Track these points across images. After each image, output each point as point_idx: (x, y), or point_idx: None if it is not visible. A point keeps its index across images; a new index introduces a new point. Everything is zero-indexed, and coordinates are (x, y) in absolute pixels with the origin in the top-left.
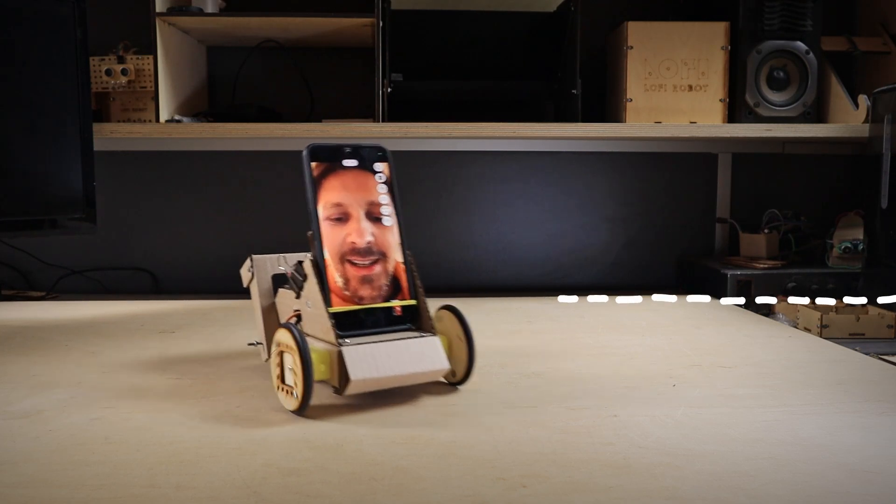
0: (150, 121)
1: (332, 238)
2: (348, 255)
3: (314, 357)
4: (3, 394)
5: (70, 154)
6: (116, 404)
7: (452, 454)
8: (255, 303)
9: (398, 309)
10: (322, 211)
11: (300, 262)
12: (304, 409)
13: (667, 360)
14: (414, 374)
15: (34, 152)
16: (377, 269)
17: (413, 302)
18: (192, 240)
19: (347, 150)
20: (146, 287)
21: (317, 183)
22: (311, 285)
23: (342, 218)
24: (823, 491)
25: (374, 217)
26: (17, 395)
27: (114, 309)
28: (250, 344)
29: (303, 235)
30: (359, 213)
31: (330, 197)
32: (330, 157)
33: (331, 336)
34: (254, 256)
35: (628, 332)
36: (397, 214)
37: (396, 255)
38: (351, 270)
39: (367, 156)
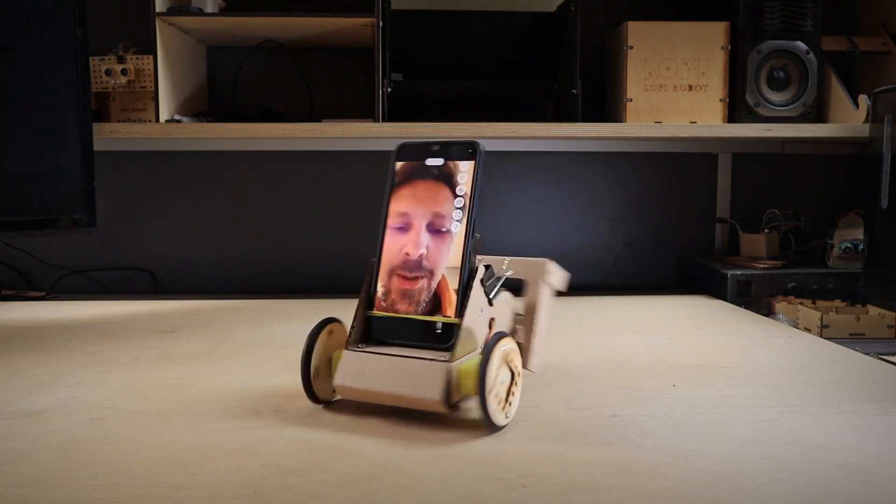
0: (150, 121)
1: (389, 248)
2: (398, 269)
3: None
4: (3, 394)
5: (70, 154)
6: (116, 404)
7: (452, 454)
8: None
9: (439, 325)
10: (389, 219)
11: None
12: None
13: (667, 360)
14: (401, 396)
15: (34, 152)
16: (420, 284)
17: (455, 320)
18: (192, 240)
19: (435, 147)
20: (146, 287)
21: (398, 185)
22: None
23: (404, 228)
24: (823, 491)
25: (435, 229)
26: (17, 395)
27: (114, 309)
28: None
29: (302, 235)
30: (421, 223)
31: (399, 206)
32: (415, 155)
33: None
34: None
35: (628, 332)
36: (471, 213)
37: (444, 271)
38: (395, 283)
39: (455, 153)
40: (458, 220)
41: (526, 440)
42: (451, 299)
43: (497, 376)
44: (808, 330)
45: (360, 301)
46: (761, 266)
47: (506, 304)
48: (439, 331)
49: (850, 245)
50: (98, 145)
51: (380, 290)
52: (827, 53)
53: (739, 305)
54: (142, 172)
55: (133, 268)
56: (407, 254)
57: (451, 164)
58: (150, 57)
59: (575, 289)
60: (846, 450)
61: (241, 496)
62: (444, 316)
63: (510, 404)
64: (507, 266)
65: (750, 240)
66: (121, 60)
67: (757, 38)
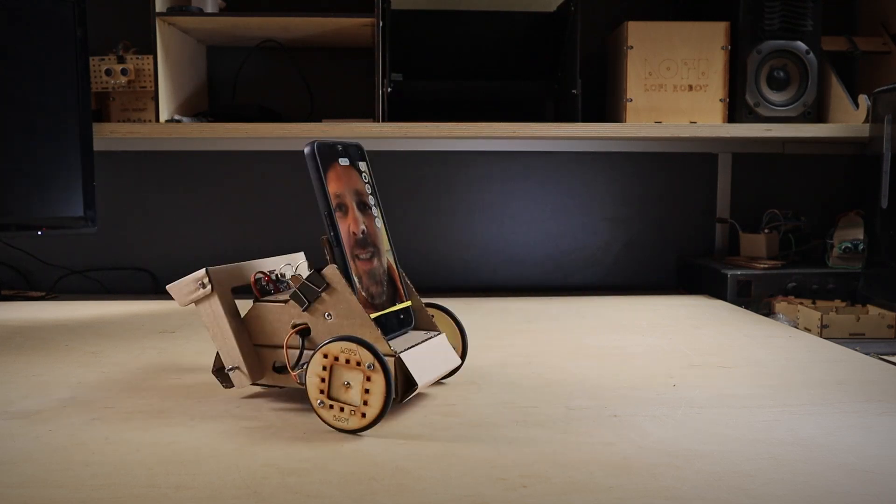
0: (150, 121)
1: (343, 234)
2: (355, 250)
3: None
4: (3, 394)
5: (70, 154)
6: (116, 404)
7: (452, 454)
8: (223, 321)
9: (402, 312)
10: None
11: (317, 271)
12: (371, 427)
13: (667, 360)
14: (442, 374)
15: (34, 152)
16: (375, 263)
17: (409, 303)
18: (192, 240)
19: (339, 147)
20: (146, 287)
21: (324, 177)
22: (340, 295)
23: (342, 207)
24: (823, 491)
25: (363, 205)
26: (17, 395)
27: (114, 309)
28: (222, 370)
29: (302, 235)
30: (352, 202)
31: (331, 188)
32: (329, 154)
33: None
34: (211, 269)
35: (628, 332)
36: (380, 208)
37: (386, 251)
38: (361, 266)
39: (353, 154)
40: (374, 202)
41: (526, 440)
42: (397, 279)
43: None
44: (808, 330)
45: (356, 308)
46: (761, 266)
47: None
48: (402, 316)
49: (850, 245)
50: (98, 145)
51: (355, 280)
52: (827, 53)
53: (739, 305)
54: (142, 172)
55: (133, 268)
56: (354, 233)
57: (352, 161)
58: (150, 57)
59: (575, 289)
60: (846, 450)
61: (241, 496)
62: (402, 301)
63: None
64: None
65: (750, 240)
66: (121, 60)
67: (757, 38)
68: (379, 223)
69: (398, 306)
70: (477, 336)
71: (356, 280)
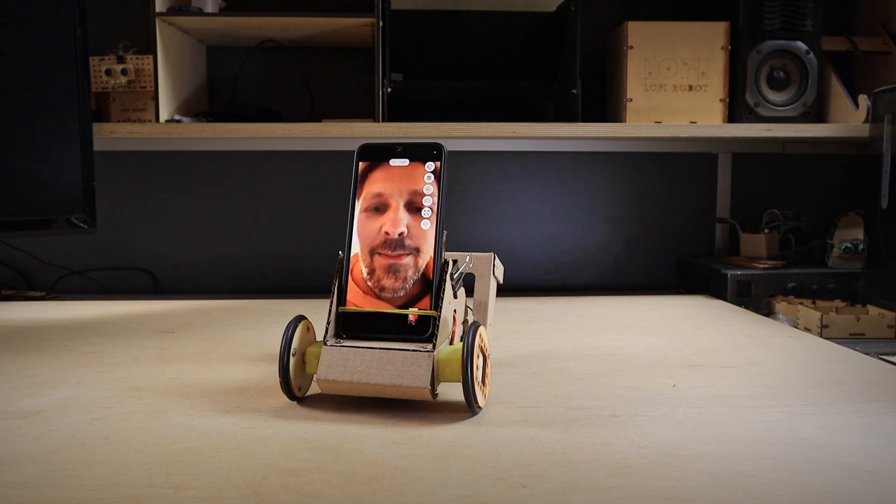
0: (150, 121)
1: (366, 230)
2: (379, 248)
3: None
4: (3, 394)
5: (70, 154)
6: (116, 404)
7: (452, 454)
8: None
9: (413, 317)
10: (361, 203)
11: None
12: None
13: (667, 360)
14: (389, 386)
15: (34, 152)
16: (406, 260)
17: (433, 313)
18: (192, 240)
19: (398, 148)
20: (146, 287)
21: (362, 178)
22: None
23: (380, 208)
24: (823, 491)
25: (415, 207)
26: (17, 395)
27: (114, 309)
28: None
29: (302, 235)
30: (398, 202)
31: (372, 188)
32: (377, 155)
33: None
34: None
35: (628, 332)
36: (439, 211)
37: (431, 252)
38: (378, 261)
39: (420, 155)
40: (433, 203)
41: (526, 440)
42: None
43: (477, 364)
44: (808, 330)
45: (332, 297)
46: (761, 266)
47: (462, 296)
48: (411, 323)
49: (850, 245)
50: (98, 145)
51: (364, 271)
52: (827, 53)
53: (739, 305)
54: (142, 172)
55: (133, 268)
56: (387, 233)
57: (415, 164)
58: (150, 57)
59: (575, 289)
60: (846, 450)
61: (241, 496)
62: (422, 309)
63: (486, 386)
64: (469, 261)
65: (750, 240)
66: (121, 60)
67: (757, 38)
68: (427, 225)
69: (410, 311)
70: None
71: (364, 270)
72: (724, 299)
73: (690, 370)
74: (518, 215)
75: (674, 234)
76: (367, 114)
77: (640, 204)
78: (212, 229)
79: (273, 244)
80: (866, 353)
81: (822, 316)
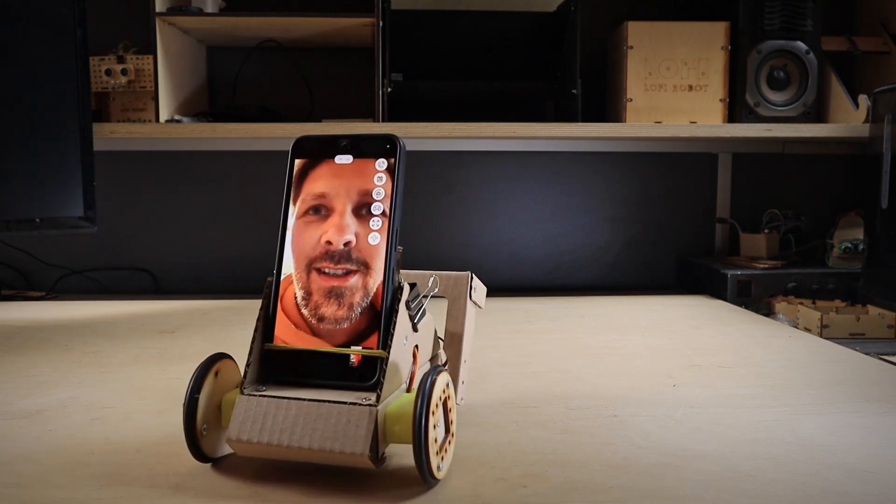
0: (150, 121)
1: (302, 240)
2: (318, 262)
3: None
4: (3, 394)
5: (70, 154)
6: (116, 404)
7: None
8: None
9: (356, 358)
10: (298, 207)
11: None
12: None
13: (667, 360)
14: (316, 451)
15: (34, 152)
16: (352, 281)
17: (380, 353)
18: (192, 240)
19: (343, 142)
20: (146, 287)
21: (299, 178)
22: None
23: (321, 210)
24: (823, 491)
25: (365, 213)
26: (17, 395)
27: (114, 309)
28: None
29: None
30: (345, 205)
31: (313, 187)
32: (318, 150)
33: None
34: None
35: (628, 332)
36: (393, 219)
37: (381, 271)
38: (317, 281)
39: (369, 150)
40: (384, 209)
41: (526, 440)
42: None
43: (435, 422)
44: (808, 330)
45: (255, 331)
46: (761, 266)
47: (429, 326)
48: (353, 366)
49: (850, 245)
50: (98, 145)
51: (298, 295)
52: (827, 53)
53: (739, 305)
54: (142, 172)
55: (133, 268)
56: (329, 242)
57: (365, 160)
58: (150, 57)
59: (575, 289)
60: (846, 450)
61: (241, 496)
62: (366, 348)
63: (446, 451)
64: (432, 283)
65: (750, 240)
66: (121, 60)
67: (757, 38)
68: (377, 238)
69: (351, 350)
70: (477, 336)
71: (298, 294)
72: (724, 299)
73: (690, 370)
74: (518, 215)
75: (674, 234)
76: (368, 114)
77: (640, 204)
78: (212, 229)
79: (273, 244)
80: (866, 353)
81: (822, 316)
